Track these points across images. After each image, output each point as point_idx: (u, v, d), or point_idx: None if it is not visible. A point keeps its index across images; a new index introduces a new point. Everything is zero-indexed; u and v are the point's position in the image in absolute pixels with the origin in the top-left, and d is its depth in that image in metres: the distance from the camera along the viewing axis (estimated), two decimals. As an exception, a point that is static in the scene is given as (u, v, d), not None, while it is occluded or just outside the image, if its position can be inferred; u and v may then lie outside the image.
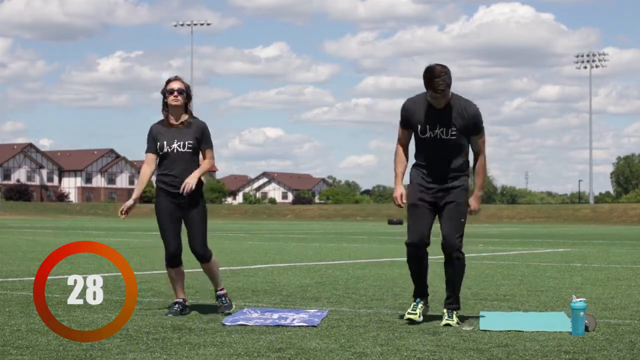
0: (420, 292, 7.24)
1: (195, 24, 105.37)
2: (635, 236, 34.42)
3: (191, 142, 7.50)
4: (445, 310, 7.07)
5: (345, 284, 10.34)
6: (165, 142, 7.50)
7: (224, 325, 6.72)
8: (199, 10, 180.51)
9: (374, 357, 5.42)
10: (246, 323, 6.77)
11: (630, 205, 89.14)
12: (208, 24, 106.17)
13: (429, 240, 7.06)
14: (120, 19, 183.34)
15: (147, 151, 7.63)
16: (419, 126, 7.02)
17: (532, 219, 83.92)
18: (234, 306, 7.67)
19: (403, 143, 7.22)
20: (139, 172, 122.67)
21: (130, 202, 7.58)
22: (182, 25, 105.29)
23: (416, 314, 7.03)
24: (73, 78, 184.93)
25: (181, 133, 7.51)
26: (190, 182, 7.40)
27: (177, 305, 7.47)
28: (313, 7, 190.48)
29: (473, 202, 7.18)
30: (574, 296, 6.61)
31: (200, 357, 5.36)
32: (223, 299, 7.64)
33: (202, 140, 7.57)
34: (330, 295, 9.08)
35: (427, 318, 7.19)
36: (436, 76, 6.75)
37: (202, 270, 7.75)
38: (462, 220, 7.04)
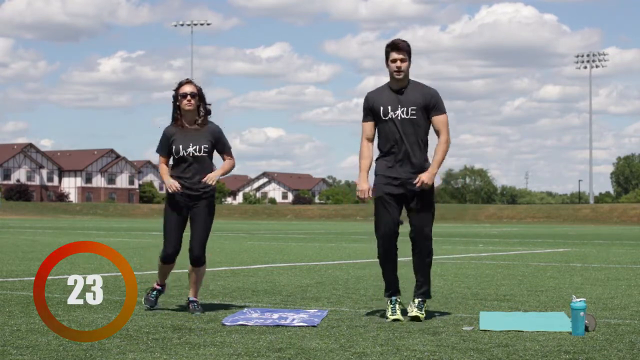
0: (395, 288, 7.29)
1: (196, 24, 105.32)
2: (635, 236, 34.42)
3: (207, 145, 7.51)
4: (416, 300, 7.19)
5: (345, 284, 10.34)
6: (180, 146, 7.50)
7: (224, 325, 6.73)
8: (201, 11, 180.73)
9: (374, 357, 5.42)
10: (246, 323, 6.77)
11: (630, 205, 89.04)
12: (208, 24, 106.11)
13: (398, 231, 7.25)
14: (121, 19, 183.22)
15: (160, 154, 7.64)
16: (381, 109, 7.20)
17: (532, 219, 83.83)
18: (205, 313, 7.48)
19: (368, 136, 7.34)
20: (139, 172, 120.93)
21: (172, 180, 7.50)
22: (183, 25, 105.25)
23: (397, 314, 7.08)
24: (74, 78, 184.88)
25: (196, 136, 7.52)
26: (212, 176, 7.44)
27: (154, 293, 7.74)
28: (314, 8, 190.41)
29: (424, 175, 7.12)
30: (574, 296, 6.61)
31: (200, 357, 5.37)
32: (195, 304, 7.58)
33: (217, 144, 7.58)
34: (330, 295, 9.08)
35: (427, 318, 7.20)
36: (399, 42, 7.13)
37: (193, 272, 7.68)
38: (432, 211, 7.23)
